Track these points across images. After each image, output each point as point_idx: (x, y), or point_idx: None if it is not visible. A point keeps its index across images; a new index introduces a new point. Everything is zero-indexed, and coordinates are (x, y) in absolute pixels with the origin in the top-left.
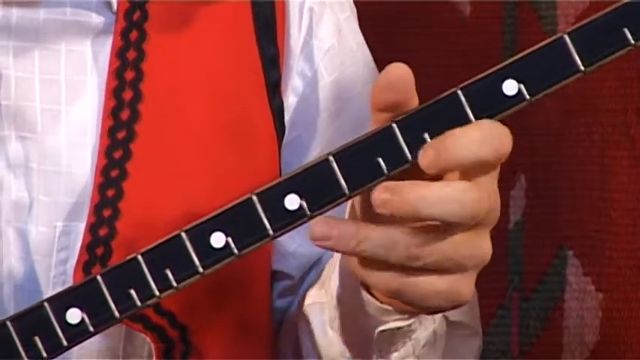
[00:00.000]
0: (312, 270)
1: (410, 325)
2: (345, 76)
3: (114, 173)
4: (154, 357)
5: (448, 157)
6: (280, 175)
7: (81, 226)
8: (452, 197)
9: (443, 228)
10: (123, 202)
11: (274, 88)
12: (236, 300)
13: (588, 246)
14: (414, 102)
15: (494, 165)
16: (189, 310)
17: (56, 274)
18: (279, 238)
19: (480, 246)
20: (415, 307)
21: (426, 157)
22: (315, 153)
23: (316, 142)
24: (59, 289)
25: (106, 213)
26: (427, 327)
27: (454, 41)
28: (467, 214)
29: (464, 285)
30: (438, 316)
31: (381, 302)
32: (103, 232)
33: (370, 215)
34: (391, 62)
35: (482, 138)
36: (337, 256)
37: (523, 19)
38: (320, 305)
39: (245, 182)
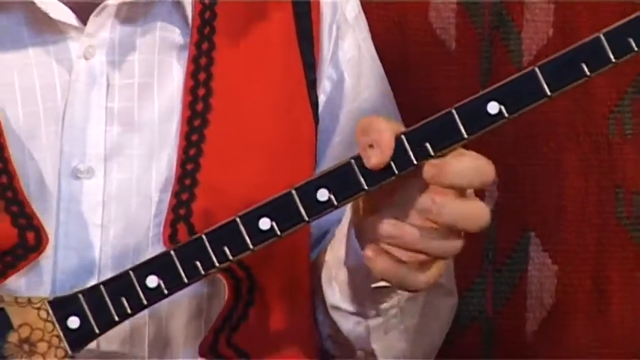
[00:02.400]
0: (329, 233)
1: (395, 291)
2: (362, 81)
3: (192, 152)
4: (227, 291)
5: (444, 179)
6: (315, 154)
7: (166, 197)
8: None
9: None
10: (199, 174)
11: (312, 87)
12: (286, 253)
13: (547, 229)
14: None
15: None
16: (253, 256)
17: (154, 234)
18: None
19: (457, 245)
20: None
21: (429, 173)
22: (337, 139)
23: (338, 131)
24: (157, 245)
25: (188, 184)
26: (409, 295)
27: (442, 69)
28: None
29: (436, 274)
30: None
31: None
32: (184, 196)
33: (369, 204)
34: (391, 83)
35: (473, 170)
36: (344, 227)
37: (496, 52)
38: (327, 265)
39: (292, 159)
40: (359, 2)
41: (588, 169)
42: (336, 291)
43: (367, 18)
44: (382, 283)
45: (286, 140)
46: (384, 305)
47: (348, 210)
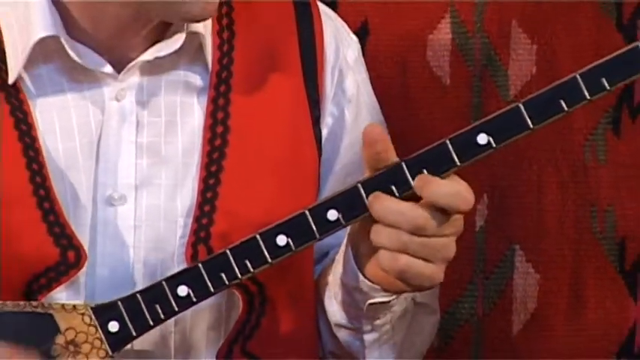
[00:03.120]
0: (330, 253)
1: (390, 301)
2: (360, 116)
3: (211, 181)
4: (241, 304)
5: (427, 194)
6: (318, 182)
7: (188, 221)
8: (415, 215)
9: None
10: (218, 201)
11: (316, 122)
12: (294, 269)
13: (529, 242)
14: (391, 152)
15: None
16: (264, 272)
17: (178, 254)
18: None
19: (452, 249)
20: (406, 283)
21: (417, 186)
22: (337, 167)
23: (338, 160)
24: (181, 263)
25: (207, 209)
26: (402, 304)
27: (438, 102)
28: (426, 229)
29: (439, 272)
30: (409, 296)
31: (372, 283)
32: (204, 221)
33: (364, 223)
34: (393, 113)
35: (452, 195)
36: (342, 249)
37: (486, 87)
38: (327, 284)
39: (298, 186)
40: (359, 46)
41: (566, 190)
42: (336, 309)
43: (373, 57)
44: (378, 300)
45: (293, 170)
46: (378, 322)
47: (345, 236)
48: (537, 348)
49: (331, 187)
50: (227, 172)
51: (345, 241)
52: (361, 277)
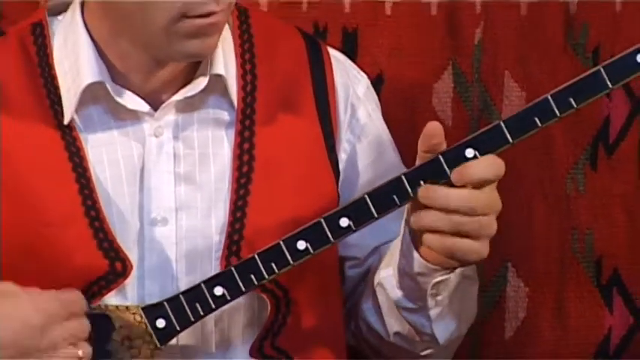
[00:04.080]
0: (374, 255)
1: (449, 278)
2: (374, 141)
3: (240, 203)
4: (269, 307)
5: (466, 176)
6: (338, 201)
7: (221, 238)
8: (462, 197)
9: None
10: (246, 219)
11: (332, 149)
12: (314, 272)
13: (520, 260)
14: (443, 145)
15: (494, 181)
16: (287, 278)
17: (214, 266)
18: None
19: (492, 226)
20: (457, 260)
21: (455, 175)
22: (358, 183)
23: (359, 179)
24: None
25: (237, 226)
26: (455, 279)
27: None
28: (475, 208)
29: (485, 247)
30: (459, 271)
31: (432, 265)
32: (235, 237)
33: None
34: (401, 150)
35: (487, 166)
36: (396, 245)
37: (482, 128)
38: (389, 276)
39: (315, 203)
40: (368, 81)
41: (552, 215)
42: (400, 295)
43: (387, 102)
44: (438, 279)
45: (311, 190)
46: (439, 297)
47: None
48: (526, 350)
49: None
50: (253, 194)
51: (400, 236)
52: (424, 262)
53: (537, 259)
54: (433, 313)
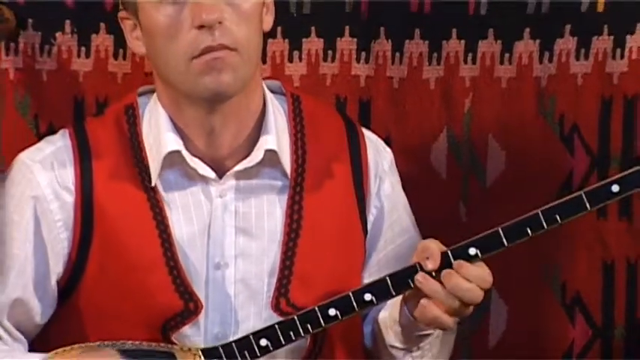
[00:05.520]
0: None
1: (433, 332)
2: (394, 208)
3: (289, 253)
4: (309, 342)
5: (450, 285)
6: (365, 253)
7: (273, 281)
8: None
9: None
10: (294, 267)
11: (362, 212)
12: (346, 324)
13: (502, 285)
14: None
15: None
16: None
17: (265, 303)
18: None
19: (468, 310)
20: (435, 326)
21: (443, 277)
22: (381, 242)
23: (381, 237)
24: (267, 309)
25: (286, 273)
26: (437, 332)
27: (437, 191)
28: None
29: (453, 320)
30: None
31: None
32: (284, 281)
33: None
34: (409, 195)
35: (477, 275)
36: (394, 305)
37: (470, 179)
38: (386, 322)
39: (349, 257)
40: (392, 156)
41: (527, 251)
42: (391, 337)
43: (398, 158)
44: (424, 332)
45: (346, 245)
46: (422, 344)
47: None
48: (506, 357)
49: (377, 254)
50: (300, 247)
51: (398, 302)
52: (413, 319)
53: (515, 284)
54: (415, 354)
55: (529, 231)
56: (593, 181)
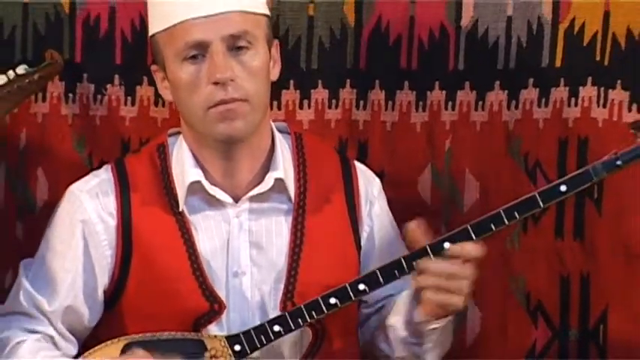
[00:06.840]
0: (385, 300)
1: (439, 324)
2: (383, 227)
3: (294, 264)
4: (311, 334)
5: (464, 252)
6: (359, 265)
7: (281, 286)
8: (445, 266)
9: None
10: (298, 275)
11: (356, 231)
12: (341, 313)
13: (477, 294)
14: (421, 242)
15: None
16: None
17: (274, 305)
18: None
19: (470, 286)
20: (443, 309)
21: (452, 251)
22: (375, 255)
23: (374, 251)
24: (276, 310)
25: (292, 280)
26: (443, 323)
27: (423, 216)
28: (455, 274)
29: (461, 301)
30: (445, 319)
31: (428, 316)
32: (290, 287)
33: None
34: (398, 220)
35: (474, 247)
36: (403, 300)
37: (451, 206)
38: (397, 320)
39: (345, 269)
40: (380, 183)
41: (496, 264)
42: (406, 334)
43: (390, 189)
44: (433, 326)
45: (342, 258)
46: (432, 337)
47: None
48: (480, 354)
49: (371, 261)
50: (303, 259)
51: (409, 295)
52: (420, 313)
53: (488, 294)
54: (427, 346)
55: (493, 226)
56: (554, 207)
